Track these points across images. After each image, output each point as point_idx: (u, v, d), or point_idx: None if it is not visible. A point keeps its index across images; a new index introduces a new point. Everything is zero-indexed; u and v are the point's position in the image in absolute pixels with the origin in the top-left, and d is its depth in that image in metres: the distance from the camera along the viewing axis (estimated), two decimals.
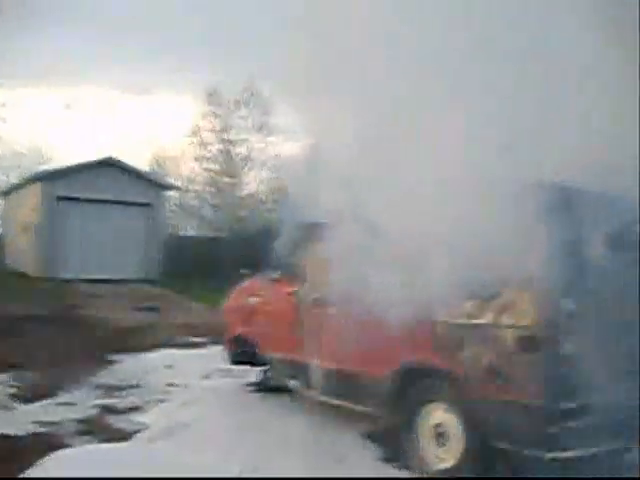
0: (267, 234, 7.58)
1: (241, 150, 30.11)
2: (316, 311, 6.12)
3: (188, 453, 5.28)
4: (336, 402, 5.97)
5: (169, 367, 9.08)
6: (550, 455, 4.12)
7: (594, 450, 4.21)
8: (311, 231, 6.56)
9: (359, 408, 5.71)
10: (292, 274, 6.87)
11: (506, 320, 4.34)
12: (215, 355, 9.83)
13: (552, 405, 4.11)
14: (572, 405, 4.12)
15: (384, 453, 5.50)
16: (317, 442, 5.60)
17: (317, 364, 6.06)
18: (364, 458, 5.37)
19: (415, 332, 4.95)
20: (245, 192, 30.37)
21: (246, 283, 7.79)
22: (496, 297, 4.43)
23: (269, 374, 7.27)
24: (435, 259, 4.33)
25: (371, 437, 5.90)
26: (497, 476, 4.58)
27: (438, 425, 4.93)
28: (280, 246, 7.14)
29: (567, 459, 4.13)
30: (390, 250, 4.66)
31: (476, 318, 4.53)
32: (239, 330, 7.53)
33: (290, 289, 6.65)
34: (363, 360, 5.46)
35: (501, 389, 4.33)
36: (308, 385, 6.32)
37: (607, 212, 4.56)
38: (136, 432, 5.96)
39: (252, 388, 7.55)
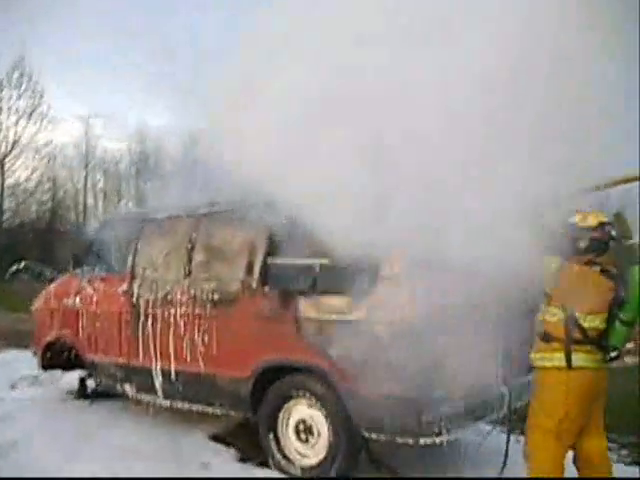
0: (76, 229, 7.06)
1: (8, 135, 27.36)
2: (158, 311, 5.78)
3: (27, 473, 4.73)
4: (184, 405, 5.71)
5: None
6: (423, 441, 4.34)
7: (460, 434, 4.53)
8: (143, 226, 6.23)
9: (211, 410, 5.52)
10: (119, 272, 6.44)
11: (380, 315, 4.45)
12: (10, 361, 8.97)
13: (426, 395, 4.31)
14: (442, 393, 4.36)
15: (239, 453, 5.40)
16: (173, 448, 5.34)
17: (160, 367, 5.75)
18: (226, 460, 5.21)
19: (278, 329, 4.92)
20: (11, 180, 27.75)
21: (59, 282, 7.14)
22: (367, 294, 4.53)
23: (93, 380, 6.73)
24: None
25: (216, 439, 5.79)
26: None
27: (302, 421, 4.94)
28: (99, 242, 6.70)
29: (437, 444, 4.40)
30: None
31: (348, 314, 4.59)
32: (55, 333, 6.91)
33: (120, 288, 6.20)
34: (220, 361, 5.29)
35: (374, 383, 4.43)
36: (146, 389, 5.97)
37: None
38: None
39: (72, 396, 6.94)
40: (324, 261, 4.78)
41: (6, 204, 27.24)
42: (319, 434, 4.84)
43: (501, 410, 4.91)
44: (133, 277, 6.11)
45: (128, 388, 6.17)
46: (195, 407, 5.65)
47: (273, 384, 5.02)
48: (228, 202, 5.88)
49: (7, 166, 27.86)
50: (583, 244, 4.16)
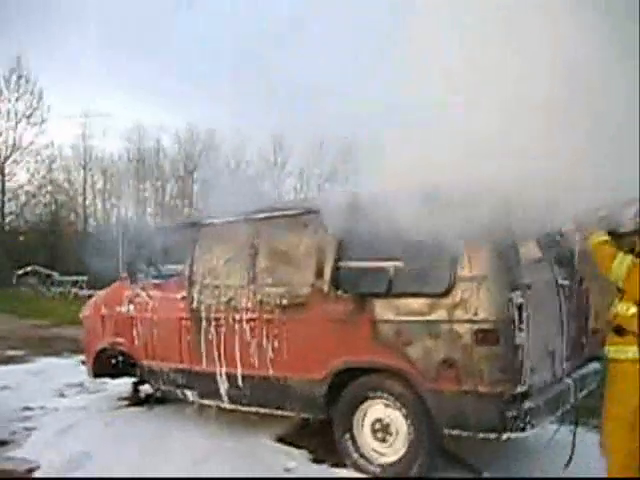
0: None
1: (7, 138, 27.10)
2: (221, 316, 5.86)
3: None
4: (250, 409, 5.79)
5: (5, 388, 7.99)
6: (506, 436, 4.47)
7: (540, 428, 4.66)
8: (199, 232, 6.29)
9: (280, 412, 5.61)
10: (174, 278, 6.51)
11: (461, 315, 4.56)
12: (44, 369, 9.01)
13: (509, 391, 4.43)
14: (525, 388, 4.49)
15: (311, 455, 5.49)
16: (246, 452, 5.43)
17: (226, 372, 5.82)
18: (302, 463, 5.30)
19: (353, 332, 5.02)
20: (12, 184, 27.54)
21: (109, 290, 7.19)
22: (446, 295, 4.64)
23: (149, 386, 6.79)
24: None
25: (282, 441, 5.88)
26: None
27: (378, 421, 5.04)
28: (151, 249, 6.77)
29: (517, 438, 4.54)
30: None
31: (427, 315, 4.70)
32: (107, 341, 6.94)
33: (178, 294, 6.27)
34: (292, 364, 5.37)
35: (456, 380, 4.54)
36: (209, 395, 6.05)
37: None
38: (29, 471, 5.19)
39: (125, 403, 6.99)
40: (398, 263, 4.89)
41: (8, 207, 27.01)
42: (397, 432, 4.94)
43: (568, 403, 5.05)
44: (191, 283, 6.17)
45: (189, 393, 6.23)
46: (263, 410, 5.72)
47: (348, 385, 5.10)
48: (288, 206, 5.99)
49: (8, 170, 27.65)
50: None
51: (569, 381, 5.13)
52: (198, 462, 5.16)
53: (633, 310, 4.29)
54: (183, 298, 6.21)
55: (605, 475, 4.38)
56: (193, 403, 6.34)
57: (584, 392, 5.33)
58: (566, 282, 5.55)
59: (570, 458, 4.77)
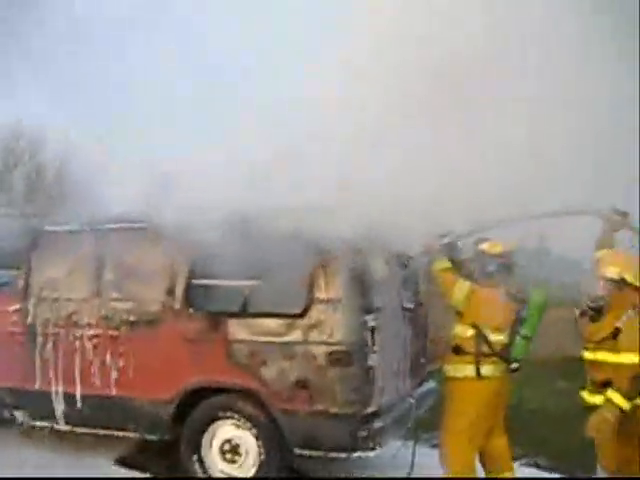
0: None
1: None
2: (60, 332, 5.48)
3: None
4: (91, 430, 5.46)
5: None
6: (357, 455, 4.59)
7: (387, 446, 4.83)
8: (36, 240, 5.86)
9: (122, 434, 5.34)
10: (6, 289, 6.00)
11: (317, 337, 4.62)
12: None
13: (361, 411, 4.55)
14: (374, 408, 4.63)
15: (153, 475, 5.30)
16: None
17: (63, 391, 5.45)
18: None
19: (205, 351, 4.91)
20: None
21: None
22: (302, 317, 4.68)
23: None
24: None
25: (122, 463, 5.62)
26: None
27: (227, 442, 4.97)
28: None
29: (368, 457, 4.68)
30: None
31: (283, 336, 4.70)
32: None
33: (10, 307, 5.78)
34: (137, 383, 5.15)
35: (309, 401, 4.60)
36: (42, 415, 5.62)
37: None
38: None
39: None
40: (254, 282, 4.85)
41: None
42: (247, 453, 4.90)
43: (410, 421, 5.29)
44: (27, 295, 5.71)
45: (19, 414, 5.75)
46: (103, 432, 5.43)
47: (198, 406, 4.98)
48: (137, 218, 5.74)
49: None
50: (491, 269, 4.71)
51: (411, 400, 5.37)
52: None
53: (470, 332, 4.66)
54: (16, 311, 5.74)
55: None
56: (21, 425, 5.84)
57: (422, 409, 5.61)
58: (410, 305, 5.82)
59: (410, 471, 5.03)
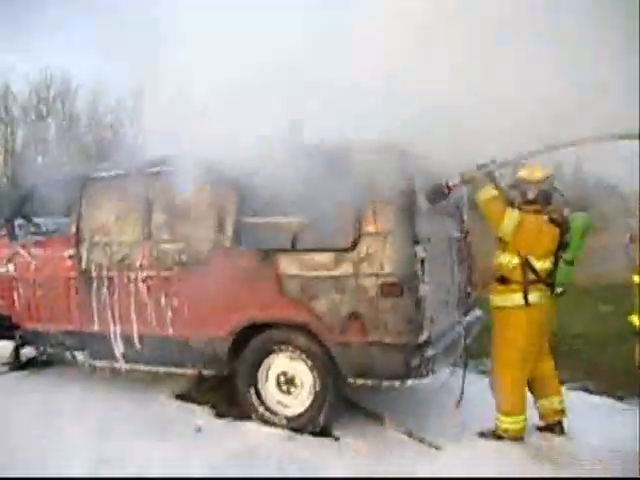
0: None
1: None
2: (114, 275, 5.63)
3: None
4: (150, 368, 5.66)
5: None
6: (410, 383, 4.70)
7: (441, 374, 4.93)
8: (85, 186, 5.96)
9: (180, 371, 5.53)
10: (59, 235, 6.17)
11: (367, 269, 4.68)
12: None
13: (413, 341, 4.64)
14: (425, 338, 4.71)
15: (214, 410, 5.49)
16: (149, 413, 5.34)
17: (121, 332, 5.64)
18: (207, 419, 5.29)
19: (258, 287, 5.01)
20: None
21: None
22: (352, 250, 4.73)
23: (33, 349, 6.44)
24: None
25: (181, 398, 5.84)
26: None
27: (283, 374, 5.11)
28: (32, 204, 6.38)
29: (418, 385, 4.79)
30: None
31: (333, 270, 4.77)
32: None
33: (65, 252, 5.94)
34: (193, 321, 5.29)
35: (362, 332, 4.69)
36: (102, 355, 5.84)
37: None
38: None
39: (6, 368, 6.60)
40: (301, 219, 4.90)
41: None
42: (302, 385, 5.04)
43: (459, 349, 5.39)
44: (79, 241, 5.86)
45: (80, 355, 5.98)
46: (163, 369, 5.62)
47: (252, 340, 5.11)
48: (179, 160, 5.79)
49: None
50: (532, 195, 4.73)
51: (460, 329, 5.45)
52: (101, 431, 4.95)
53: (516, 261, 4.72)
54: (70, 257, 5.90)
55: (493, 412, 4.77)
56: (83, 365, 6.08)
57: (470, 338, 5.69)
58: (455, 234, 5.84)
59: (460, 398, 5.14)
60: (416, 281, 4.64)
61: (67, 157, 24.79)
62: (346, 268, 4.73)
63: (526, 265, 4.71)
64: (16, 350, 6.58)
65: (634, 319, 4.28)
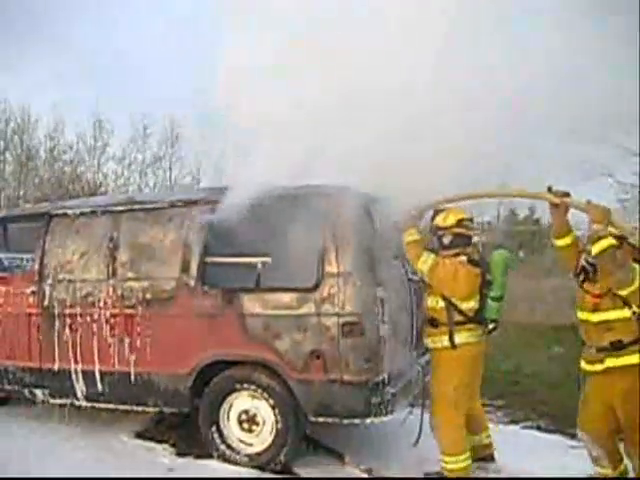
0: None
1: None
2: (77, 312, 5.65)
3: None
4: (110, 406, 5.65)
5: None
6: (370, 421, 4.81)
7: (398, 412, 5.05)
8: (49, 223, 6.01)
9: (140, 408, 5.54)
10: (22, 272, 6.18)
11: (329, 309, 4.82)
12: None
13: (373, 379, 4.76)
14: (385, 376, 4.85)
15: (174, 448, 5.51)
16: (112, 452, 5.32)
17: (82, 369, 5.63)
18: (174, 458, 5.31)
19: (221, 326, 5.10)
20: None
21: None
22: (313, 289, 4.87)
23: None
24: None
25: (141, 436, 5.83)
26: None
27: (244, 412, 5.17)
28: None
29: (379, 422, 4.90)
30: None
31: (296, 309, 4.90)
32: None
33: (27, 289, 5.94)
34: (155, 359, 5.33)
35: (323, 370, 4.80)
36: (62, 393, 5.81)
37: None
38: None
39: None
40: (266, 259, 5.04)
41: None
42: (264, 423, 5.10)
43: (417, 387, 5.51)
44: (42, 278, 5.87)
45: (39, 393, 5.93)
46: (123, 407, 5.62)
47: (215, 378, 5.17)
48: (149, 200, 5.91)
49: None
50: (446, 241, 4.88)
51: (418, 368, 5.59)
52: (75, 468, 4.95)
53: (441, 304, 4.81)
54: (33, 293, 5.90)
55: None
56: (42, 403, 6.03)
57: (427, 377, 5.83)
58: (414, 276, 6.02)
59: (419, 436, 5.23)
60: (376, 321, 4.80)
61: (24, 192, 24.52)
62: (309, 307, 4.87)
63: (451, 307, 4.78)
64: None
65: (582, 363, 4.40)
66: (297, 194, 5.00)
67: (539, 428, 6.40)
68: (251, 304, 5.04)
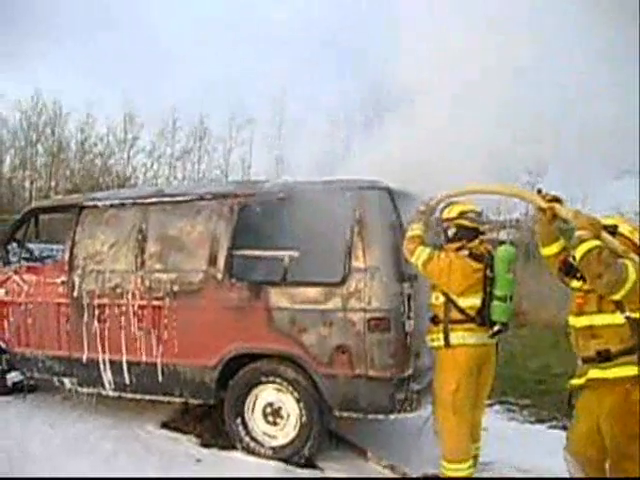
0: None
1: None
2: (106, 302, 5.72)
3: None
4: (137, 396, 5.72)
5: None
6: (394, 416, 4.80)
7: (423, 408, 5.03)
8: (80, 215, 6.08)
9: (167, 399, 5.60)
10: (52, 262, 6.26)
11: (355, 304, 4.81)
12: None
13: (398, 375, 4.76)
14: (411, 372, 4.83)
15: (199, 439, 5.55)
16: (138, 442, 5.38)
17: (110, 359, 5.70)
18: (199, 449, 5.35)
19: (248, 319, 5.12)
20: None
21: None
22: (340, 285, 4.87)
23: (19, 374, 6.47)
24: None
25: (167, 427, 5.88)
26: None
27: (269, 405, 5.19)
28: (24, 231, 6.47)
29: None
30: None
31: (322, 303, 4.90)
32: None
33: (57, 279, 6.02)
34: (182, 350, 5.38)
35: (349, 365, 4.81)
36: (89, 382, 5.90)
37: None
38: None
39: None
40: (293, 253, 5.04)
41: None
42: (288, 416, 5.13)
43: None
44: (72, 268, 5.95)
45: (67, 381, 6.02)
46: (148, 397, 5.68)
47: (241, 371, 5.20)
48: (178, 192, 5.95)
49: None
50: (451, 233, 4.68)
51: None
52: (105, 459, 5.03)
53: (441, 299, 4.54)
54: (63, 283, 5.98)
55: None
56: (69, 391, 6.13)
57: None
58: None
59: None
60: (402, 317, 4.78)
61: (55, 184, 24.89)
62: (335, 302, 4.87)
63: (449, 303, 4.49)
64: (2, 374, 6.59)
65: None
66: (325, 189, 4.99)
67: (565, 428, 6.32)
68: (278, 298, 5.05)
